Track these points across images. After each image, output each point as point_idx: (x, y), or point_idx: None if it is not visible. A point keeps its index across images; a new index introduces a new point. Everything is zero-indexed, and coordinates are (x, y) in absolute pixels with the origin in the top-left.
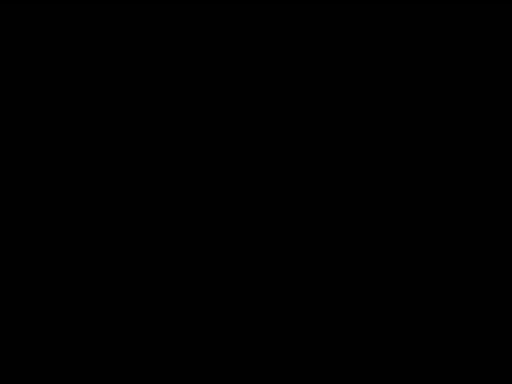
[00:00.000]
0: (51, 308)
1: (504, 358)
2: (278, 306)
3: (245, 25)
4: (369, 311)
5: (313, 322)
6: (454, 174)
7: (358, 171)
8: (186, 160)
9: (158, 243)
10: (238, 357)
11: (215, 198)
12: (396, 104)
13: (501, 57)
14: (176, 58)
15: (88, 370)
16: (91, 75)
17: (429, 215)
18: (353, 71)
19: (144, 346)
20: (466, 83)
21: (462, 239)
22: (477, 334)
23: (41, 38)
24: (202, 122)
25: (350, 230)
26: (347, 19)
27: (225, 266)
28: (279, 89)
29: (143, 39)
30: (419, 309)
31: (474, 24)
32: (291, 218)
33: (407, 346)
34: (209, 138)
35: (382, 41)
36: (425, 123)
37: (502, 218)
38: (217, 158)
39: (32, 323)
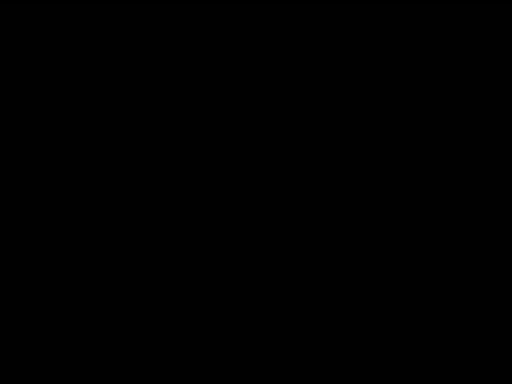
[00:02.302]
0: (51, 308)
1: (504, 357)
2: (278, 306)
3: (245, 25)
4: (369, 311)
5: (313, 321)
6: (454, 173)
7: (358, 171)
8: (186, 160)
9: (158, 243)
10: (238, 357)
11: (215, 198)
12: (396, 104)
13: (501, 57)
14: (176, 57)
15: (88, 370)
16: (91, 75)
17: (429, 215)
18: (353, 71)
19: (144, 346)
20: (466, 83)
21: (462, 239)
22: (477, 334)
23: (41, 38)
24: (201, 122)
25: (350, 229)
26: (347, 19)
27: (225, 266)
28: (279, 89)
29: (143, 39)
30: (419, 309)
31: (474, 24)
32: (291, 217)
33: (407, 346)
34: (208, 138)
35: (381, 41)
36: (425, 123)
37: (501, 217)
38: (216, 158)
39: (32, 323)
